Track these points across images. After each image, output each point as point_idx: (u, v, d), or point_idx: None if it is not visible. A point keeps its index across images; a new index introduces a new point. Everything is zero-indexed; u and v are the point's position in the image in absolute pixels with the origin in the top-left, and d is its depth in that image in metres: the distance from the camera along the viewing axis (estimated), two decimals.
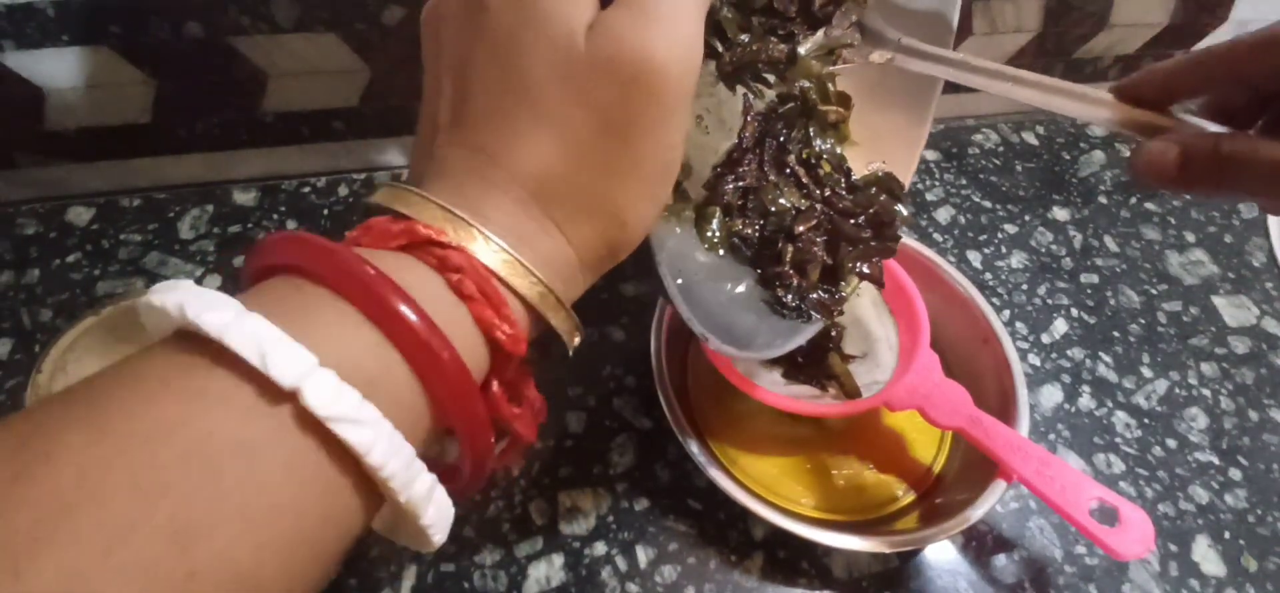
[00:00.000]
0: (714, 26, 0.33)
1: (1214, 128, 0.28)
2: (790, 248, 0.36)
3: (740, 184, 0.36)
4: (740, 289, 0.36)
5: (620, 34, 0.23)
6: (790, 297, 0.36)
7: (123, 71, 0.47)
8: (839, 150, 0.38)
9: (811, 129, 0.37)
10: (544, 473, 0.42)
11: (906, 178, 0.39)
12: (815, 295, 0.36)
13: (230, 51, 0.47)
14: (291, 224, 0.52)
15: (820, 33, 0.35)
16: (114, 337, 0.39)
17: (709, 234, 0.36)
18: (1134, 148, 0.29)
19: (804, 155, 0.37)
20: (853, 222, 0.37)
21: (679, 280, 0.32)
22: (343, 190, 0.54)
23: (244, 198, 0.53)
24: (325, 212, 0.53)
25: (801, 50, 0.34)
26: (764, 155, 0.37)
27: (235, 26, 0.46)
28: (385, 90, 0.52)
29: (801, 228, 0.36)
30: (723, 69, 0.34)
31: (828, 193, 0.37)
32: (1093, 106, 0.30)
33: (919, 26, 0.38)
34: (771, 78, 0.35)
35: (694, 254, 0.35)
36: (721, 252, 0.36)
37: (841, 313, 0.38)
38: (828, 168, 0.37)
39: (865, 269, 0.37)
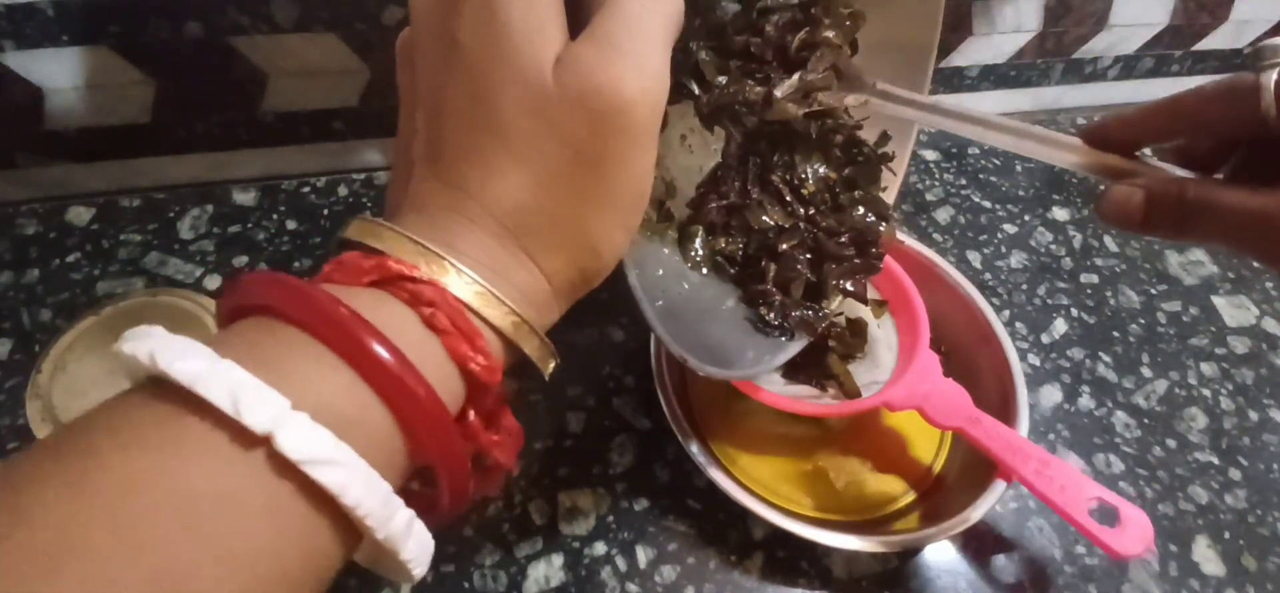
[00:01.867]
0: (692, 69, 0.34)
1: (1181, 173, 0.29)
2: (773, 265, 0.36)
3: (724, 203, 0.36)
4: (723, 308, 0.36)
5: (588, 68, 0.23)
6: (773, 314, 0.36)
7: (123, 71, 0.47)
8: (822, 170, 0.38)
9: (796, 155, 0.37)
10: (544, 473, 0.42)
11: (891, 196, 0.40)
12: (798, 313, 0.37)
13: (230, 51, 0.47)
14: (291, 224, 0.52)
15: (796, 76, 0.35)
16: (113, 337, 0.39)
17: (692, 253, 0.36)
18: (1101, 191, 0.30)
19: (787, 176, 0.37)
20: (836, 239, 0.37)
21: (659, 302, 0.33)
22: (343, 190, 0.54)
23: (244, 198, 0.53)
24: (325, 212, 0.53)
25: (778, 93, 0.35)
26: (748, 174, 0.37)
27: (235, 26, 0.47)
28: (385, 90, 0.52)
29: (785, 245, 0.36)
30: (700, 110, 0.35)
31: (811, 211, 0.37)
32: (1062, 151, 0.31)
33: (897, 62, 0.39)
34: (750, 121, 0.36)
35: (677, 274, 0.36)
36: (704, 271, 0.36)
37: (823, 330, 0.38)
38: (812, 187, 0.38)
39: (848, 286, 0.38)
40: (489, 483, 0.25)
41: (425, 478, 0.24)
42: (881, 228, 0.38)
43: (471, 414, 0.24)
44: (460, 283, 0.23)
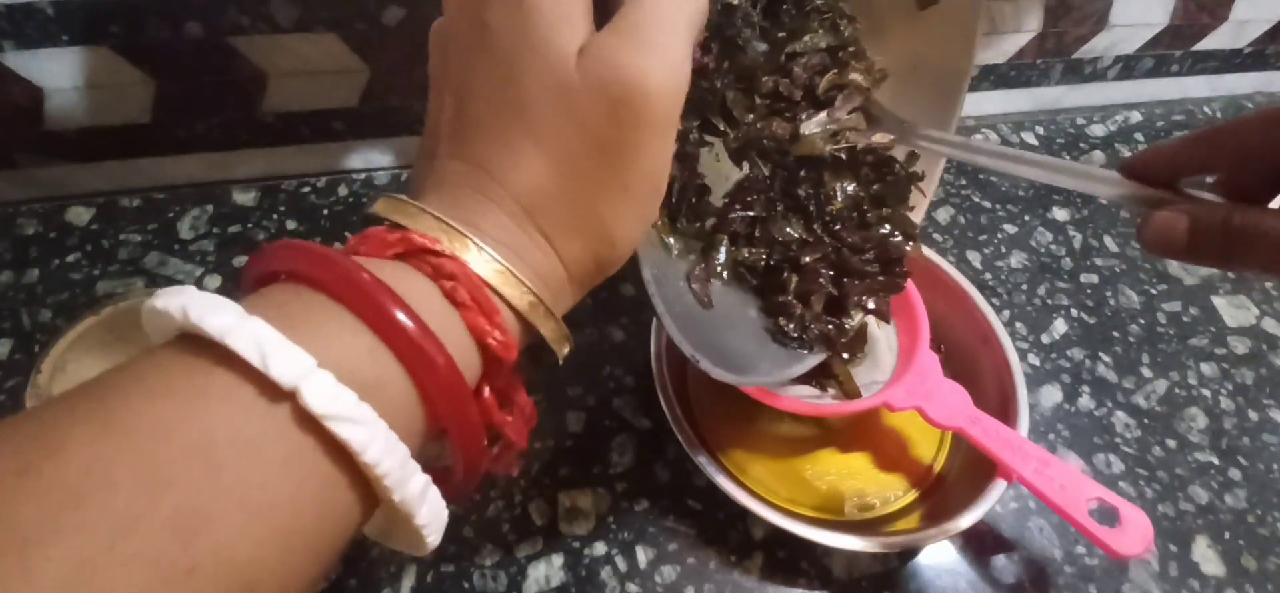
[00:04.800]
0: (720, 107, 0.34)
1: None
2: (795, 277, 0.36)
3: (749, 214, 0.36)
4: (742, 317, 0.36)
5: (610, 57, 0.24)
6: (792, 326, 0.36)
7: (123, 71, 0.47)
8: (851, 188, 0.38)
9: (825, 174, 0.37)
10: (544, 473, 0.42)
11: (918, 215, 0.40)
12: (818, 327, 0.37)
13: (230, 51, 0.47)
14: (291, 224, 0.52)
15: (823, 113, 0.36)
16: (114, 337, 0.39)
17: (716, 261, 0.36)
18: (1140, 218, 0.29)
19: (813, 192, 0.38)
20: (860, 256, 0.37)
21: (678, 309, 0.33)
22: (343, 190, 0.54)
23: (244, 198, 0.53)
24: (325, 212, 0.53)
25: (804, 131, 0.35)
26: (775, 187, 0.37)
27: (235, 26, 0.47)
28: (385, 90, 0.52)
29: (808, 259, 0.36)
30: (728, 147, 0.35)
31: (837, 227, 0.37)
32: (1098, 184, 0.30)
33: (929, 90, 0.39)
34: (778, 156, 0.36)
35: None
36: (725, 277, 0.36)
37: (844, 345, 0.38)
38: (840, 204, 0.38)
39: (871, 304, 0.38)
40: (503, 461, 0.26)
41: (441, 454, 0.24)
42: (907, 247, 0.38)
43: (486, 390, 0.25)
44: (481, 260, 0.24)
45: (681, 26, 0.25)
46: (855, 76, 0.36)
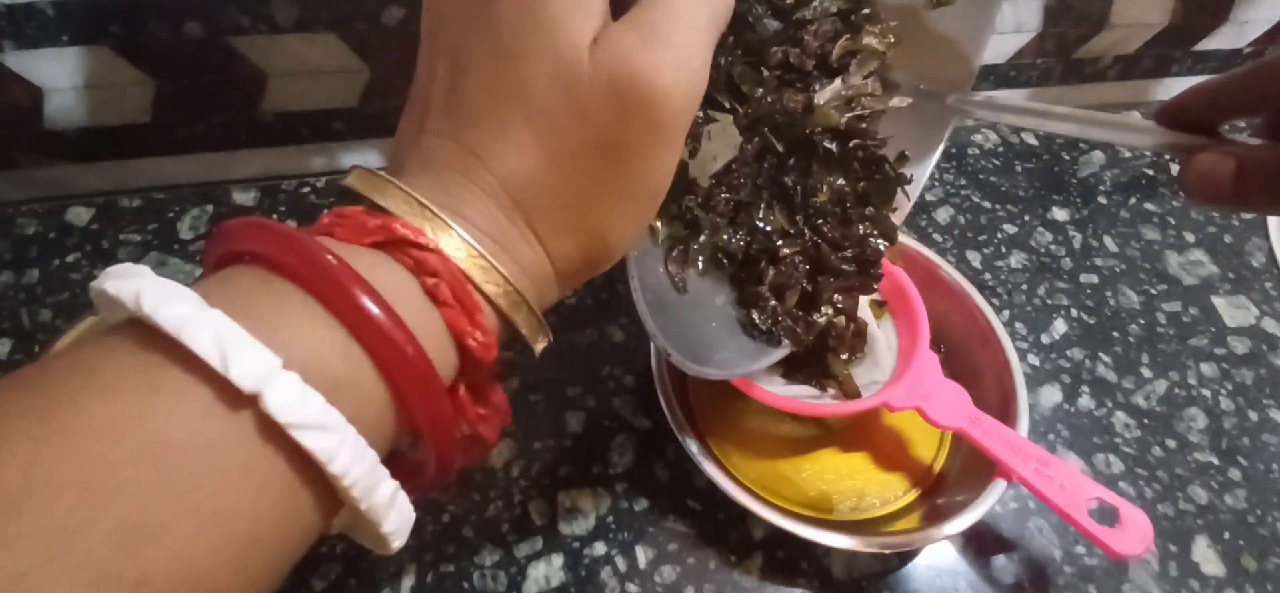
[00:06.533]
0: (728, 83, 0.33)
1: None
2: (772, 270, 0.36)
3: (733, 198, 0.36)
4: (713, 304, 0.36)
5: (626, 54, 0.22)
6: (763, 319, 0.36)
7: (123, 71, 0.47)
8: (840, 182, 0.37)
9: (814, 164, 0.37)
10: (543, 473, 0.42)
11: (900, 218, 0.40)
12: (788, 322, 0.36)
13: (230, 51, 0.47)
14: (291, 224, 0.52)
15: (838, 81, 0.34)
16: None
17: (695, 246, 0.36)
18: (1182, 163, 0.27)
19: (800, 182, 0.37)
20: (838, 253, 0.37)
21: (651, 289, 0.32)
22: None
23: (244, 198, 0.53)
24: (325, 211, 0.53)
25: (819, 101, 0.34)
26: (761, 172, 0.36)
27: (235, 26, 0.46)
28: (385, 90, 0.52)
29: (787, 251, 0.36)
30: (740, 123, 0.34)
31: (819, 221, 0.37)
32: (1134, 133, 0.29)
33: (944, 57, 0.39)
34: (790, 131, 0.35)
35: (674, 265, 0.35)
36: (701, 263, 0.36)
37: (811, 341, 0.38)
38: (825, 197, 0.37)
39: (839, 302, 0.37)
40: (471, 456, 0.25)
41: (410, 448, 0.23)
42: (883, 249, 0.38)
43: (462, 388, 0.23)
44: (463, 252, 0.22)
45: (704, 27, 0.23)
46: (869, 41, 0.35)
